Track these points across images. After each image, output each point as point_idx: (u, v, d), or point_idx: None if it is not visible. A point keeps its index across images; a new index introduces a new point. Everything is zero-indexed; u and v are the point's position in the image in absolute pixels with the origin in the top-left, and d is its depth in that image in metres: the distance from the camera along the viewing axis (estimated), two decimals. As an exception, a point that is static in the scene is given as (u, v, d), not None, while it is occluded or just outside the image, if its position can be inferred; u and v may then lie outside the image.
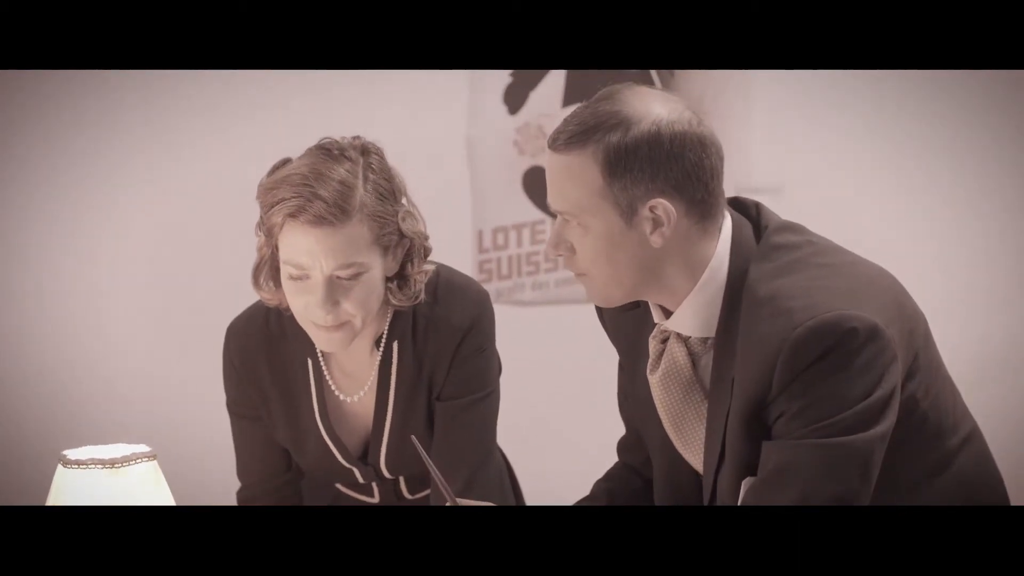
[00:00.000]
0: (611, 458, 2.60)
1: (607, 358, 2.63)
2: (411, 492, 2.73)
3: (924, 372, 2.23)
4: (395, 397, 2.61)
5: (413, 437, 2.36)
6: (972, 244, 3.94)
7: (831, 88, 3.93)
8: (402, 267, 2.54)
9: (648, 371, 2.32)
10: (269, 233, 2.48)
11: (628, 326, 2.40)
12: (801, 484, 2.11)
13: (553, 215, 2.26)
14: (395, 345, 2.60)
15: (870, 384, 2.12)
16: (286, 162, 2.50)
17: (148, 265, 4.29)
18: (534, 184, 4.19)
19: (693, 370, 2.28)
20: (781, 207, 2.34)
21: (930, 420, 2.24)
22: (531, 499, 2.95)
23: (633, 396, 2.42)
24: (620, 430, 2.57)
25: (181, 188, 4.26)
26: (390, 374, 2.61)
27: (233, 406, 2.70)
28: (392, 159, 2.56)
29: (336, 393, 2.64)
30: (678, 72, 4.03)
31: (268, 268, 2.54)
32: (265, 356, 2.64)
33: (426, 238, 2.56)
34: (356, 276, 2.46)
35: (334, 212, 2.41)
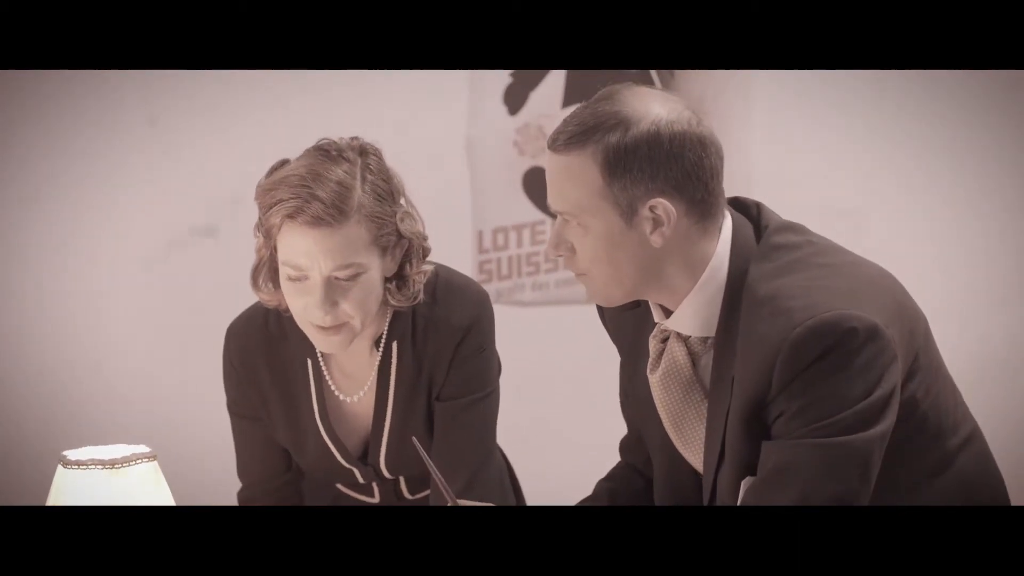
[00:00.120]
0: (611, 458, 2.60)
1: (607, 358, 2.63)
2: (411, 492, 2.73)
3: (924, 372, 2.23)
4: (394, 397, 2.61)
5: (414, 439, 2.36)
6: (972, 244, 3.94)
7: (831, 88, 3.93)
8: (401, 267, 2.54)
9: (648, 370, 2.32)
10: (267, 234, 2.48)
11: (628, 326, 2.40)
12: (801, 484, 2.11)
13: (553, 215, 2.26)
14: (394, 345, 2.60)
15: (870, 384, 2.12)
16: (284, 163, 2.51)
17: (148, 265, 4.29)
18: (534, 185, 4.19)
19: (693, 369, 2.28)
20: (782, 207, 2.34)
21: (930, 420, 2.24)
22: (531, 499, 2.95)
23: (633, 395, 2.42)
24: (620, 430, 2.57)
25: (181, 188, 4.26)
26: (389, 374, 2.61)
27: (233, 407, 2.70)
28: (392, 159, 2.56)
29: (336, 393, 2.64)
30: (678, 72, 4.03)
31: (267, 269, 2.54)
32: (265, 357, 2.64)
33: (425, 238, 2.56)
34: (354, 277, 2.46)
35: (332, 213, 2.41)
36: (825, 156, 4.01)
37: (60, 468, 2.29)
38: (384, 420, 2.63)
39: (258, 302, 2.62)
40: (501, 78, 4.20)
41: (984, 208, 3.92)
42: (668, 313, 2.28)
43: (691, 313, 2.24)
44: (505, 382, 2.68)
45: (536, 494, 2.99)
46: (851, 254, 2.27)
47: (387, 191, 2.49)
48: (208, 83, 4.16)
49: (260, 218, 2.49)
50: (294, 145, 2.56)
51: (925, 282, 2.60)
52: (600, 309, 2.45)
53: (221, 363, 2.68)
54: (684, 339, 2.28)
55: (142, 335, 4.30)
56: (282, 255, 2.47)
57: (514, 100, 4.21)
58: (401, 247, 2.52)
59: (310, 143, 2.53)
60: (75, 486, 2.26)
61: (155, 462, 2.32)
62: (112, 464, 2.27)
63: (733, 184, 2.26)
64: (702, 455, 2.29)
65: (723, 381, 2.21)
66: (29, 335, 4.30)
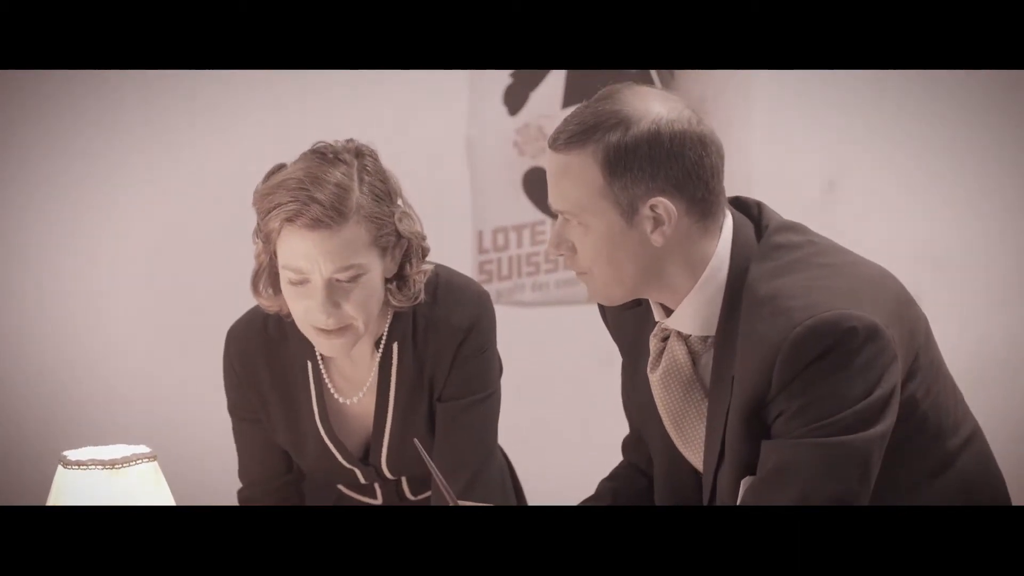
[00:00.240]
0: (611, 458, 2.60)
1: (607, 359, 2.63)
2: (414, 493, 2.73)
3: (925, 372, 2.23)
4: (395, 398, 2.61)
5: (415, 440, 2.36)
6: (972, 244, 3.94)
7: (831, 88, 3.93)
8: (400, 268, 2.54)
9: (648, 369, 2.32)
10: (267, 239, 2.48)
11: (629, 324, 2.40)
12: (800, 483, 2.11)
13: (554, 215, 2.26)
14: (395, 346, 2.59)
15: (870, 383, 2.12)
16: (281, 167, 2.50)
17: (148, 265, 4.29)
18: (534, 185, 4.19)
19: (693, 369, 2.28)
20: (782, 207, 2.34)
21: (930, 420, 2.24)
22: (532, 499, 2.95)
23: (634, 394, 2.42)
24: (620, 430, 2.57)
25: (181, 188, 4.26)
26: (390, 375, 2.60)
27: (234, 409, 2.70)
28: (392, 159, 2.56)
29: (334, 395, 2.64)
30: (678, 72, 4.03)
31: (267, 275, 2.53)
32: (265, 359, 2.64)
33: (423, 238, 2.56)
34: (355, 278, 2.46)
35: (331, 215, 2.41)
36: (825, 156, 4.01)
37: (60, 468, 2.29)
38: (385, 421, 2.63)
39: (258, 305, 2.62)
40: (501, 78, 4.20)
41: (984, 208, 3.92)
42: (669, 312, 2.28)
43: (691, 312, 2.24)
44: (505, 382, 2.68)
45: (537, 494, 2.99)
46: (852, 254, 2.27)
47: (385, 192, 2.49)
48: (208, 83, 4.16)
49: (258, 223, 2.49)
50: (294, 145, 2.56)
51: (925, 282, 2.60)
52: (601, 308, 2.46)
53: (221, 364, 2.69)
54: (684, 338, 2.28)
55: (142, 335, 4.30)
56: (282, 259, 2.46)
57: (514, 100, 4.21)
58: (400, 247, 2.52)
59: (310, 143, 2.53)
60: (75, 486, 2.26)
61: (155, 462, 2.32)
62: (112, 464, 2.27)
63: (733, 184, 2.26)
64: (702, 454, 2.29)
65: (723, 380, 2.21)
66: (29, 335, 4.30)
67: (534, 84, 4.18)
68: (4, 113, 4.23)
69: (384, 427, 2.63)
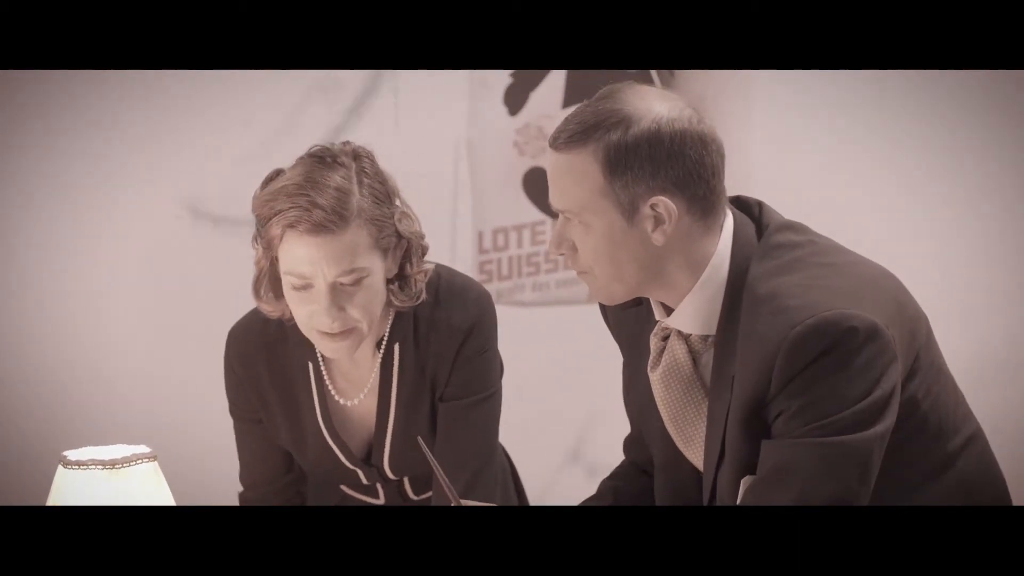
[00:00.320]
0: (611, 458, 2.60)
1: (608, 358, 2.62)
2: (416, 493, 2.73)
3: (925, 373, 2.23)
4: (397, 399, 2.61)
5: (420, 439, 2.36)
6: (972, 244, 3.93)
7: (831, 88, 3.93)
8: (401, 268, 2.54)
9: (649, 368, 2.32)
10: (268, 245, 2.47)
11: (630, 323, 2.40)
12: (800, 483, 2.11)
13: (555, 215, 2.26)
14: (396, 347, 2.59)
15: (869, 383, 2.11)
16: (279, 173, 2.50)
17: (148, 265, 4.28)
18: (534, 185, 4.19)
19: (694, 368, 2.28)
20: (782, 207, 2.34)
21: (931, 421, 2.23)
22: (532, 499, 2.95)
23: (634, 393, 2.42)
24: (621, 430, 2.57)
25: (181, 188, 4.25)
26: (392, 376, 2.60)
27: (234, 410, 2.70)
28: (392, 160, 2.56)
29: (336, 396, 2.64)
30: (678, 72, 4.03)
31: (267, 280, 2.53)
32: (265, 360, 2.64)
33: (422, 237, 2.56)
34: (359, 281, 2.46)
35: (333, 219, 2.40)
36: (825, 156, 4.01)
37: (60, 468, 2.29)
38: (387, 422, 2.63)
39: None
40: (501, 78, 4.20)
41: (984, 208, 3.92)
42: (669, 311, 2.28)
43: (692, 311, 2.25)
44: (505, 382, 2.68)
45: (537, 494, 2.99)
46: (852, 254, 2.27)
47: (384, 193, 2.49)
48: (208, 83, 4.15)
49: (258, 230, 2.48)
50: (294, 145, 2.56)
51: (925, 282, 2.60)
52: (602, 307, 2.46)
53: (221, 364, 2.68)
54: (685, 337, 2.28)
55: (142, 335, 4.29)
56: (284, 265, 2.46)
57: (514, 100, 4.20)
58: (400, 248, 2.52)
59: (310, 143, 2.53)
60: (75, 486, 2.26)
61: (155, 462, 2.32)
62: (112, 464, 2.27)
63: (733, 184, 2.26)
64: (702, 453, 2.29)
65: (723, 380, 2.21)
66: (29, 335, 4.29)
67: (534, 84, 4.18)
68: (4, 113, 4.23)
69: (386, 428, 2.63)
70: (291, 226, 2.42)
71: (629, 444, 2.56)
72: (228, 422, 2.72)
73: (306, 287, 2.45)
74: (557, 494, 2.94)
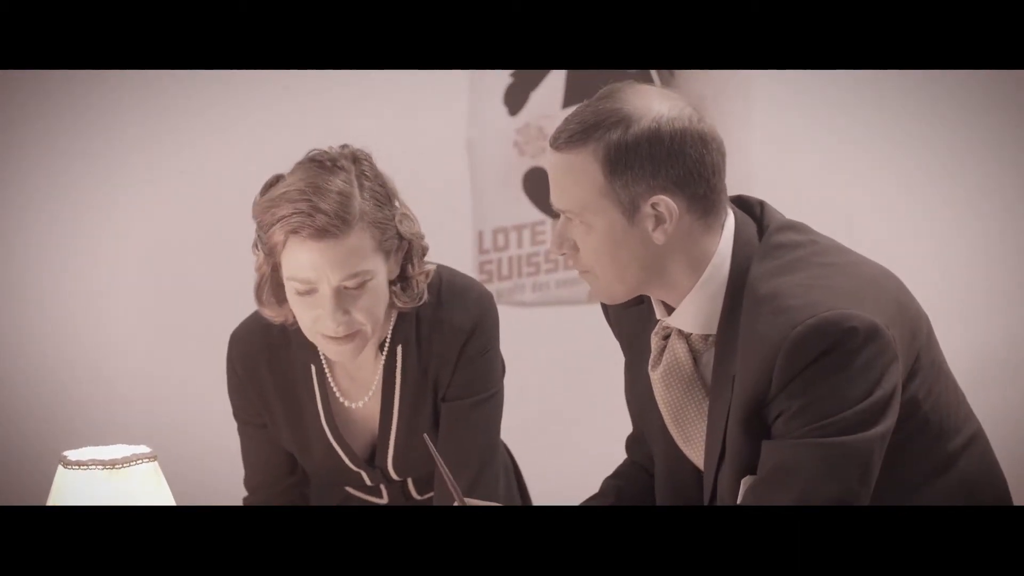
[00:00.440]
0: (612, 457, 2.60)
1: (608, 358, 2.62)
2: (419, 493, 2.73)
3: (926, 373, 2.23)
4: (400, 401, 2.61)
5: (426, 436, 2.36)
6: (972, 244, 3.93)
7: (831, 88, 3.93)
8: (403, 269, 2.54)
9: (649, 367, 2.32)
10: (270, 252, 2.47)
11: (631, 322, 2.41)
12: (800, 484, 2.11)
13: (555, 215, 2.26)
14: (399, 349, 2.59)
15: (870, 384, 2.11)
16: (279, 179, 2.49)
17: (148, 265, 4.29)
18: (534, 185, 4.19)
19: (694, 367, 2.28)
20: (782, 207, 2.34)
21: (932, 421, 2.23)
22: (534, 499, 2.94)
23: (635, 392, 2.42)
24: (621, 430, 2.57)
25: (181, 188, 4.26)
26: (395, 378, 2.60)
27: (237, 413, 2.70)
28: (392, 160, 2.56)
29: (340, 399, 2.64)
30: (678, 72, 4.03)
31: (269, 286, 2.53)
32: (267, 363, 2.63)
33: (423, 238, 2.56)
34: (363, 284, 2.45)
35: (336, 224, 2.40)
36: (825, 156, 4.01)
37: (60, 468, 2.29)
38: (391, 423, 2.63)
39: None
40: (501, 78, 4.20)
41: (984, 208, 3.92)
42: (670, 310, 2.29)
43: (693, 310, 2.25)
44: (506, 382, 2.68)
45: (538, 494, 2.99)
46: (854, 254, 2.27)
47: (385, 195, 2.49)
48: (208, 83, 4.16)
49: (260, 236, 2.48)
50: (294, 145, 2.55)
51: (925, 282, 2.60)
52: (604, 305, 2.46)
53: (221, 363, 2.68)
54: (685, 336, 2.28)
55: (142, 335, 4.30)
56: (288, 271, 2.46)
57: (514, 100, 4.21)
58: (402, 249, 2.52)
59: (310, 143, 2.53)
60: (75, 486, 2.26)
61: (155, 462, 2.32)
62: (112, 464, 2.27)
63: (733, 184, 2.26)
64: (703, 452, 2.29)
65: (724, 379, 2.21)
66: (29, 335, 4.30)
67: (534, 84, 4.18)
68: (4, 113, 4.23)
69: (390, 429, 2.63)
70: (294, 232, 2.42)
71: (631, 443, 2.56)
72: (228, 422, 2.72)
73: (310, 292, 2.45)
74: (557, 494, 2.94)
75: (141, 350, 4.29)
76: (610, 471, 2.57)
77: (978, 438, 2.31)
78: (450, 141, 4.21)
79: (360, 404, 2.63)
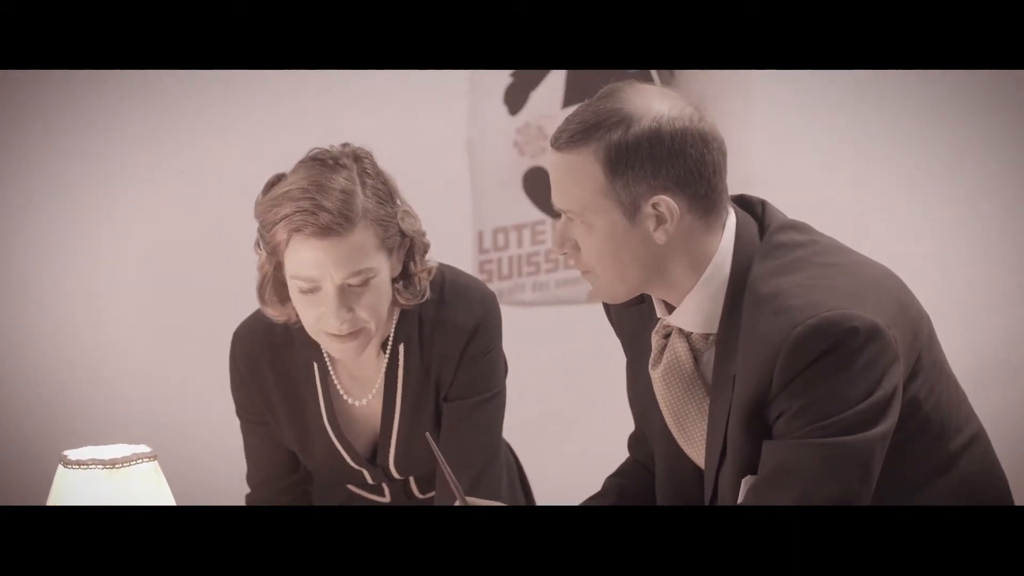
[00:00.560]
0: (611, 458, 2.60)
1: (608, 358, 2.62)
2: (422, 491, 2.73)
3: (927, 373, 2.23)
4: (402, 399, 2.61)
5: (428, 435, 2.36)
6: (972, 244, 3.93)
7: (831, 88, 3.93)
8: (405, 267, 2.54)
9: (650, 366, 2.32)
10: (273, 251, 2.47)
11: (632, 321, 2.41)
12: (801, 484, 2.11)
13: (556, 214, 2.26)
14: (401, 348, 2.60)
15: (871, 384, 2.11)
16: (280, 178, 2.50)
17: (148, 265, 4.29)
18: (534, 185, 4.19)
19: (695, 366, 2.28)
20: (782, 207, 2.34)
21: (933, 421, 2.23)
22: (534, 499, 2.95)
23: (637, 391, 2.42)
24: (621, 430, 2.57)
25: (181, 188, 4.26)
26: (397, 377, 2.61)
27: (240, 411, 2.70)
28: (392, 160, 2.56)
29: (344, 397, 2.64)
30: (678, 72, 4.03)
31: (271, 285, 2.53)
32: (269, 361, 2.64)
33: (424, 235, 2.56)
34: (366, 282, 2.46)
35: (339, 222, 2.40)
36: (825, 156, 4.01)
37: (60, 468, 2.29)
38: (392, 422, 2.63)
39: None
40: (501, 78, 4.20)
41: (984, 208, 3.92)
42: (671, 309, 2.29)
43: (694, 309, 2.24)
44: (507, 382, 2.68)
45: (538, 494, 2.99)
46: (855, 254, 2.27)
47: (386, 193, 2.49)
48: (208, 83, 4.15)
49: (263, 235, 2.48)
50: (294, 145, 2.55)
51: (925, 282, 2.60)
52: (606, 304, 2.46)
53: (221, 363, 2.68)
54: (686, 335, 2.28)
55: (142, 335, 4.30)
56: (291, 269, 2.46)
57: (514, 100, 4.21)
58: (404, 246, 2.53)
59: (310, 143, 2.53)
60: (75, 486, 2.26)
61: (155, 462, 2.32)
62: (112, 464, 2.27)
63: (733, 184, 2.26)
64: (703, 451, 2.29)
65: (725, 379, 2.21)
66: (29, 335, 4.30)
67: (534, 84, 4.18)
68: (4, 113, 4.23)
69: (391, 428, 2.63)
70: (297, 230, 2.42)
71: (633, 442, 2.56)
72: (228, 422, 2.72)
73: (314, 290, 2.45)
74: (557, 494, 2.94)
75: (141, 350, 4.29)
76: (610, 471, 2.57)
77: (979, 438, 2.30)
78: (450, 141, 4.21)
79: (363, 402, 2.64)
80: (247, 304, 2.67)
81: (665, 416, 2.33)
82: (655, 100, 2.19)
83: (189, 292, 4.25)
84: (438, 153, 4.16)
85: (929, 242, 3.94)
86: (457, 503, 2.34)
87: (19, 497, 3.92)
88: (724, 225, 2.24)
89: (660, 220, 2.19)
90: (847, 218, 3.88)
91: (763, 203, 2.30)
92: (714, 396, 2.24)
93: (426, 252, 2.57)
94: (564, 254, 2.26)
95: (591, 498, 2.53)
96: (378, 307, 2.48)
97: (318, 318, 2.47)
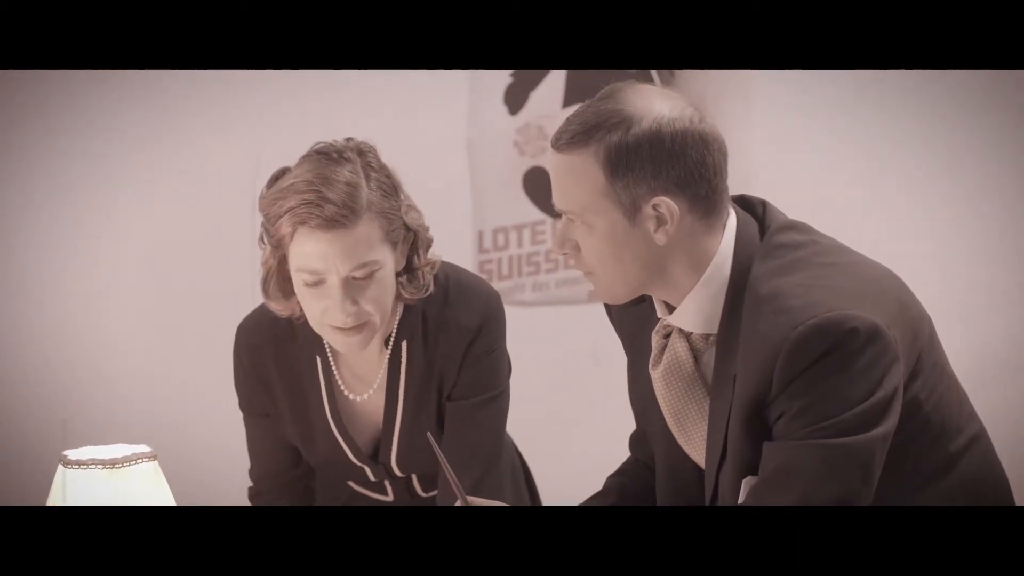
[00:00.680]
0: (611, 457, 2.60)
1: (608, 358, 2.62)
2: (425, 490, 2.73)
3: (928, 373, 2.23)
4: (404, 397, 2.61)
5: (429, 434, 2.36)
6: (972, 244, 3.93)
7: (831, 88, 3.93)
8: (409, 261, 2.54)
9: (650, 366, 2.32)
10: (278, 244, 2.47)
11: (632, 321, 2.41)
12: (802, 485, 2.11)
13: (556, 214, 2.26)
14: (404, 345, 2.60)
15: (871, 385, 2.11)
16: (285, 172, 2.50)
17: (148, 265, 4.29)
18: (534, 185, 4.19)
19: (695, 366, 2.28)
20: (782, 207, 2.34)
21: (933, 422, 2.23)
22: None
23: (637, 390, 2.42)
24: (621, 430, 2.57)
25: (181, 188, 4.26)
26: (399, 374, 2.61)
27: (243, 404, 2.70)
28: (392, 160, 2.56)
29: (345, 392, 2.64)
30: (678, 72, 4.03)
31: (275, 279, 2.53)
32: (273, 355, 2.64)
33: (427, 229, 2.57)
34: (371, 275, 2.46)
35: (344, 214, 2.40)
36: (825, 156, 4.01)
37: (60, 468, 2.29)
38: (395, 419, 2.63)
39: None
40: (501, 78, 4.20)
41: (984, 208, 3.92)
42: (672, 309, 2.28)
43: (694, 309, 2.24)
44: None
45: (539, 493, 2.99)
46: (856, 254, 2.27)
47: (391, 186, 2.50)
48: (208, 83, 4.16)
49: (267, 229, 2.48)
50: (294, 145, 2.55)
51: (925, 282, 2.60)
52: (607, 304, 2.46)
53: (221, 363, 2.69)
54: (686, 335, 2.28)
55: (142, 335, 4.30)
56: (296, 262, 2.46)
57: (514, 100, 4.21)
58: (407, 240, 2.53)
59: (310, 143, 2.53)
60: (75, 486, 2.26)
61: (155, 462, 2.32)
62: (112, 464, 2.27)
63: (733, 184, 2.26)
64: (704, 451, 2.29)
65: (725, 379, 2.21)
66: (29, 335, 4.30)
67: (534, 84, 4.18)
68: (4, 113, 4.23)
69: (394, 425, 2.63)
70: (302, 223, 2.42)
71: (634, 441, 2.56)
72: (228, 422, 2.73)
73: (318, 283, 2.45)
74: (557, 493, 2.94)
75: (141, 350, 4.29)
76: (611, 471, 2.57)
77: (980, 439, 2.30)
78: (450, 141, 4.21)
79: (363, 397, 2.63)
80: (247, 304, 2.68)
81: (665, 416, 2.33)
82: (656, 101, 2.19)
83: (189, 292, 4.25)
84: (438, 153, 4.16)
85: (929, 242, 3.94)
86: (458, 502, 2.34)
87: (19, 497, 3.92)
88: (724, 226, 2.24)
89: (660, 221, 2.19)
90: (847, 218, 3.87)
91: (764, 203, 2.30)
92: (714, 396, 2.24)
93: (429, 246, 2.57)
94: (564, 254, 2.26)
95: (592, 497, 2.53)
96: (383, 300, 2.48)
97: (323, 311, 2.47)
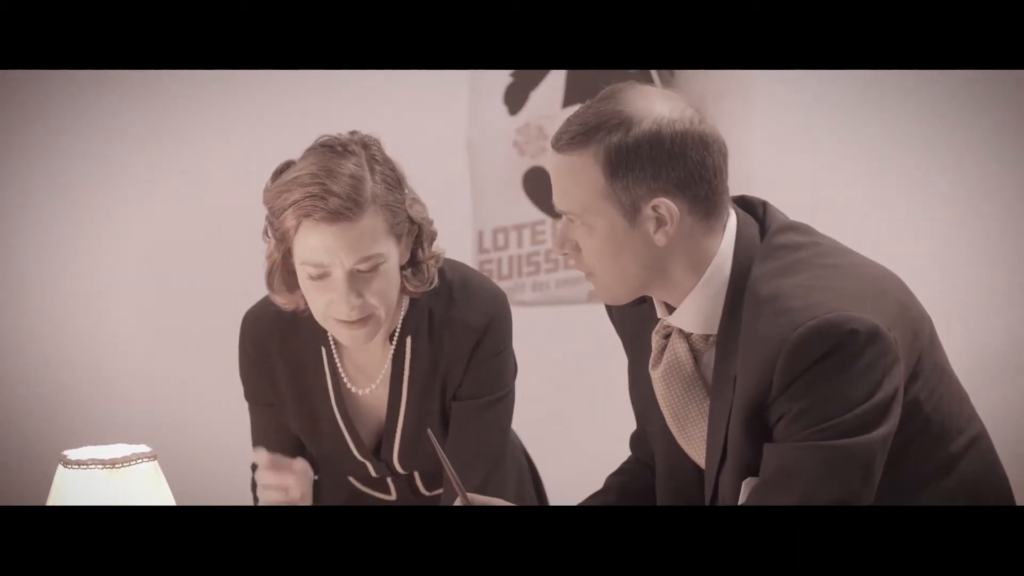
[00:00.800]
0: (612, 457, 2.60)
1: (608, 358, 2.62)
2: (427, 488, 2.73)
3: (928, 374, 2.22)
4: (408, 393, 2.61)
5: (429, 431, 2.35)
6: (972, 244, 3.93)
7: (831, 88, 3.93)
8: (413, 254, 2.54)
9: (650, 366, 2.32)
10: (282, 237, 2.47)
11: (633, 321, 2.41)
12: (802, 487, 2.11)
13: (556, 215, 2.26)
14: (408, 340, 2.59)
15: (871, 386, 2.11)
16: (289, 165, 2.50)
17: (148, 265, 4.29)
18: (534, 185, 4.19)
19: (695, 366, 2.28)
20: (782, 207, 2.34)
21: (934, 423, 2.23)
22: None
23: (637, 390, 2.42)
24: (621, 430, 2.57)
25: (181, 188, 4.26)
26: (403, 369, 2.60)
27: (248, 394, 2.69)
28: (392, 159, 2.56)
29: (348, 385, 2.64)
30: (678, 72, 4.03)
31: (280, 273, 2.53)
32: (278, 346, 2.64)
33: (432, 222, 2.56)
34: (376, 268, 2.45)
35: (349, 206, 2.40)
36: (825, 156, 4.01)
37: (60, 468, 2.29)
38: (398, 415, 2.63)
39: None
40: (501, 78, 4.20)
41: (984, 208, 3.92)
42: (672, 309, 2.28)
43: (694, 310, 2.24)
44: (509, 382, 2.68)
45: (537, 494, 2.99)
46: (856, 255, 2.27)
47: (395, 179, 2.50)
48: (208, 83, 4.16)
49: (272, 222, 2.48)
50: (294, 145, 2.55)
51: (925, 282, 2.60)
52: (607, 304, 2.46)
53: (222, 363, 2.68)
54: (686, 336, 2.28)
55: (142, 335, 4.30)
56: (300, 255, 2.46)
57: (514, 100, 4.21)
58: (412, 233, 2.53)
59: (310, 143, 2.53)
60: (75, 486, 2.26)
61: (155, 462, 2.32)
62: (112, 464, 2.27)
63: (733, 184, 2.26)
64: (704, 452, 2.29)
65: (725, 380, 2.21)
66: (29, 335, 4.30)
67: (534, 84, 4.18)
68: (4, 113, 4.23)
69: (396, 421, 2.63)
70: (307, 215, 2.41)
71: (635, 440, 2.56)
72: (228, 422, 2.73)
73: (323, 276, 2.45)
74: (558, 493, 2.94)
75: (141, 350, 4.29)
76: (611, 470, 2.57)
77: (981, 439, 2.30)
78: (450, 141, 4.21)
79: (366, 391, 2.63)
80: (247, 304, 2.68)
81: (665, 416, 2.33)
82: (656, 102, 2.19)
83: (189, 292, 4.25)
84: (438, 153, 4.16)
85: (929, 242, 3.94)
86: (458, 501, 2.33)
87: (19, 497, 3.92)
88: (725, 226, 2.24)
89: (660, 222, 2.19)
90: (847, 218, 3.88)
91: (764, 204, 2.29)
92: (714, 397, 2.24)
93: (434, 240, 2.57)
94: (565, 255, 2.26)
95: (592, 496, 2.53)
96: (387, 293, 2.48)
97: (327, 304, 2.46)
